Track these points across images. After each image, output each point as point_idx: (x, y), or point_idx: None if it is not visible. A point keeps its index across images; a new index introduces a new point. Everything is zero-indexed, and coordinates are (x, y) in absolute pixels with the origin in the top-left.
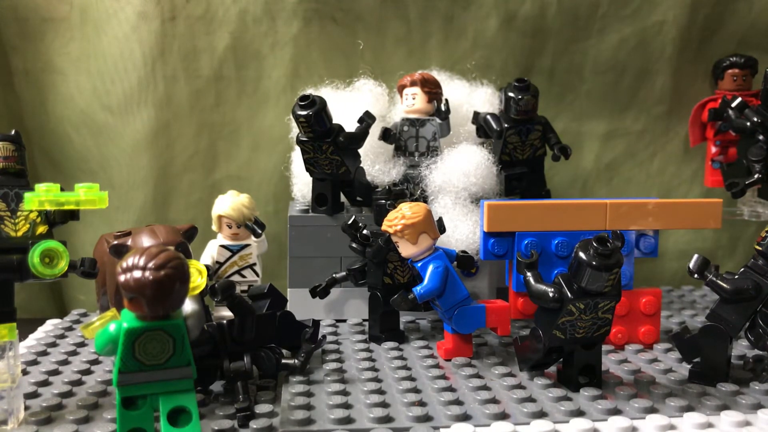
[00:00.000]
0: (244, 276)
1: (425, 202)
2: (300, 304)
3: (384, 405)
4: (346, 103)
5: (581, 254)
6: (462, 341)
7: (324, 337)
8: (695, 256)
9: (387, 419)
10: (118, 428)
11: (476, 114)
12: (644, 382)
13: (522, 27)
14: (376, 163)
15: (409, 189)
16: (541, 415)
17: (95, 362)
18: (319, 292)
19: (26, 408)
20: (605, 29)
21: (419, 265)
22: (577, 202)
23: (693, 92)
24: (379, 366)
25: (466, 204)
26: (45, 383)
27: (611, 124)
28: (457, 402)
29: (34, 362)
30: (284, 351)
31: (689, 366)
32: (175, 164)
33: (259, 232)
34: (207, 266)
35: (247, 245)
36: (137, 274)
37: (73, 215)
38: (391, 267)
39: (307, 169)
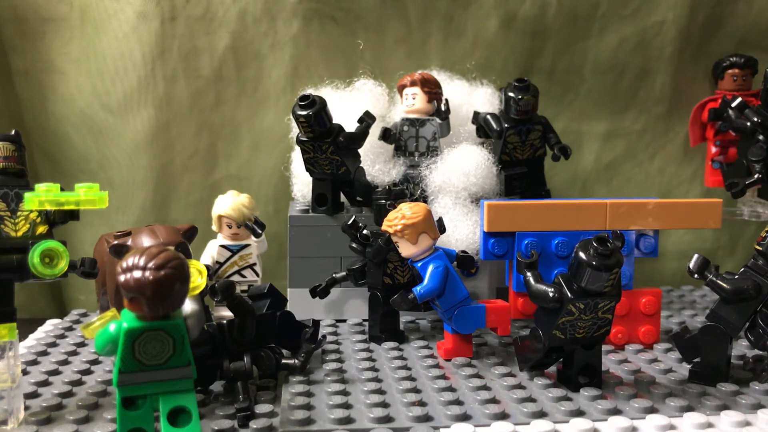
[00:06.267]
0: (244, 276)
1: (425, 202)
2: (300, 304)
3: (384, 405)
4: (346, 103)
5: (581, 254)
6: (462, 341)
7: (324, 337)
8: (695, 256)
9: (387, 419)
10: (118, 428)
11: (476, 114)
12: (644, 382)
13: (522, 27)
14: (376, 163)
15: (409, 189)
16: (541, 415)
17: (95, 362)
18: (319, 292)
19: (26, 408)
20: (605, 29)
21: (419, 265)
22: (577, 202)
23: (693, 92)
24: (379, 366)
25: (466, 204)
26: (45, 383)
27: (611, 124)
28: (457, 402)
29: (34, 362)
30: (284, 351)
31: (689, 366)
32: (175, 164)
33: (259, 232)
34: (207, 266)
35: (247, 245)
36: (137, 274)
37: (73, 215)
38: (391, 267)
39: (307, 169)
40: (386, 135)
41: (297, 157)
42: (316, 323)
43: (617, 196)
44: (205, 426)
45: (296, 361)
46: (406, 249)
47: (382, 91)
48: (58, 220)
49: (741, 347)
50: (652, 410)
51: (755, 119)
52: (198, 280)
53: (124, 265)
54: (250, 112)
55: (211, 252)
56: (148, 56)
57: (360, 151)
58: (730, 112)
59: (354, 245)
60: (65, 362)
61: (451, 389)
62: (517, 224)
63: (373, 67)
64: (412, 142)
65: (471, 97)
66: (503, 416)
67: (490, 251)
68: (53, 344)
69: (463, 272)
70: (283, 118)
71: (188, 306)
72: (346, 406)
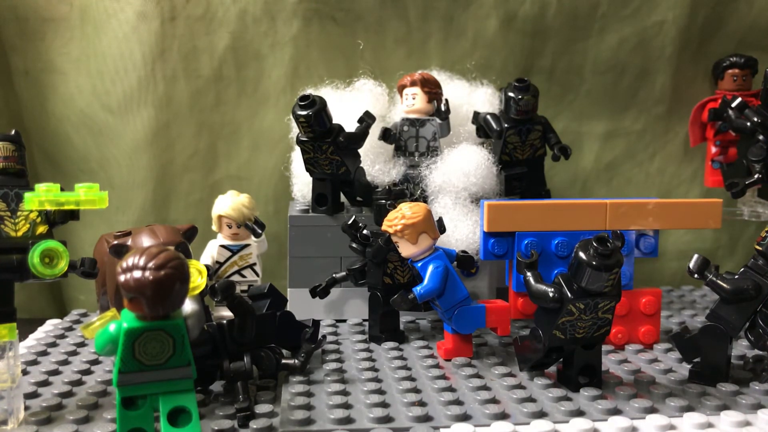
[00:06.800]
0: (244, 276)
1: (425, 202)
2: (300, 304)
3: (384, 405)
4: (346, 103)
5: (581, 254)
6: (462, 341)
7: (324, 337)
8: (695, 256)
9: (387, 419)
10: (118, 428)
11: (476, 114)
12: (644, 382)
13: (522, 27)
14: (376, 163)
15: (409, 189)
16: (541, 415)
17: (95, 362)
18: (319, 292)
19: (26, 408)
20: (605, 29)
21: (419, 265)
22: (577, 202)
23: (693, 92)
24: (379, 366)
25: (466, 204)
26: (45, 383)
27: (611, 124)
28: (457, 402)
29: (34, 362)
30: (284, 351)
31: (689, 366)
32: (175, 164)
33: (259, 232)
34: (207, 266)
35: (247, 245)
36: (137, 274)
37: (73, 215)
38: (391, 267)
39: (307, 169)
40: (386, 135)
41: (297, 157)
42: (316, 323)
43: (617, 196)
44: (205, 426)
45: (296, 361)
46: (406, 249)
47: (382, 91)
48: (58, 220)
49: (741, 347)
50: (652, 410)
51: (755, 119)
52: (198, 280)
53: (124, 265)
54: (250, 112)
55: (211, 252)
56: (148, 56)
57: (360, 151)
58: (730, 112)
59: (354, 245)
60: (65, 362)
61: (451, 389)
62: (517, 224)
63: (373, 67)
64: (412, 142)
65: (471, 97)
66: (503, 416)
67: (490, 251)
68: (53, 344)
69: (463, 272)
70: (283, 118)
71: (188, 306)
72: (346, 406)
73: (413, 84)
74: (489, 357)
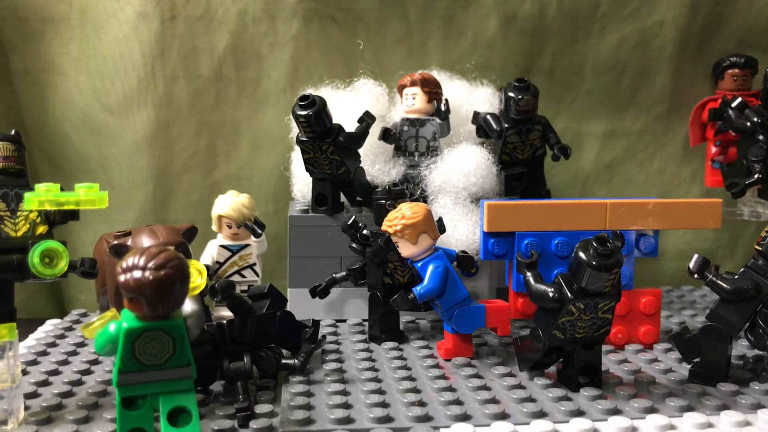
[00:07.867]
0: (244, 276)
1: (425, 202)
2: (300, 304)
3: (384, 405)
4: (346, 103)
5: (581, 254)
6: (462, 341)
7: (324, 337)
8: (695, 256)
9: (387, 419)
10: (118, 428)
11: (476, 114)
12: (644, 382)
13: (522, 27)
14: (376, 163)
15: (409, 189)
16: (541, 415)
17: (95, 362)
18: (319, 292)
19: (26, 408)
20: (605, 29)
21: (419, 265)
22: (577, 202)
23: (693, 92)
24: (379, 366)
25: (466, 204)
26: (45, 383)
27: (611, 124)
28: (457, 402)
29: (34, 362)
30: (284, 351)
31: (689, 366)
32: (175, 164)
33: (259, 232)
34: (207, 266)
35: (247, 245)
36: (137, 274)
37: (73, 215)
38: (391, 267)
39: (307, 169)
40: (386, 135)
41: (297, 157)
42: (316, 323)
43: (617, 196)
44: (205, 426)
45: (296, 361)
46: (406, 249)
47: (382, 91)
48: (58, 220)
49: (741, 347)
50: (652, 410)
51: (755, 119)
52: (198, 280)
53: (124, 265)
54: (250, 112)
55: (211, 252)
56: (148, 56)
57: (360, 151)
58: (730, 112)
59: (354, 245)
60: (65, 362)
61: (451, 389)
62: (517, 224)
63: (373, 67)
64: (412, 142)
65: (471, 97)
66: (503, 416)
67: (490, 251)
68: (53, 344)
69: (463, 272)
70: (283, 118)
71: (188, 306)
72: (346, 406)
73: (413, 84)
74: (489, 357)
